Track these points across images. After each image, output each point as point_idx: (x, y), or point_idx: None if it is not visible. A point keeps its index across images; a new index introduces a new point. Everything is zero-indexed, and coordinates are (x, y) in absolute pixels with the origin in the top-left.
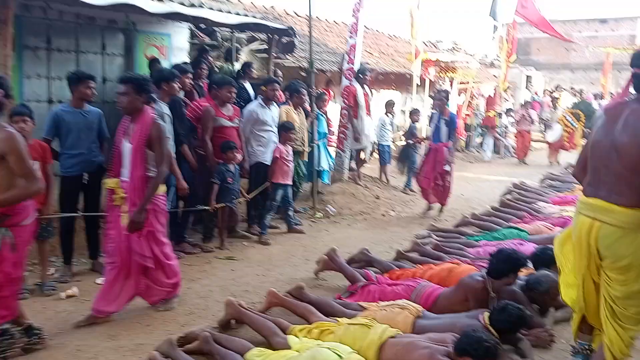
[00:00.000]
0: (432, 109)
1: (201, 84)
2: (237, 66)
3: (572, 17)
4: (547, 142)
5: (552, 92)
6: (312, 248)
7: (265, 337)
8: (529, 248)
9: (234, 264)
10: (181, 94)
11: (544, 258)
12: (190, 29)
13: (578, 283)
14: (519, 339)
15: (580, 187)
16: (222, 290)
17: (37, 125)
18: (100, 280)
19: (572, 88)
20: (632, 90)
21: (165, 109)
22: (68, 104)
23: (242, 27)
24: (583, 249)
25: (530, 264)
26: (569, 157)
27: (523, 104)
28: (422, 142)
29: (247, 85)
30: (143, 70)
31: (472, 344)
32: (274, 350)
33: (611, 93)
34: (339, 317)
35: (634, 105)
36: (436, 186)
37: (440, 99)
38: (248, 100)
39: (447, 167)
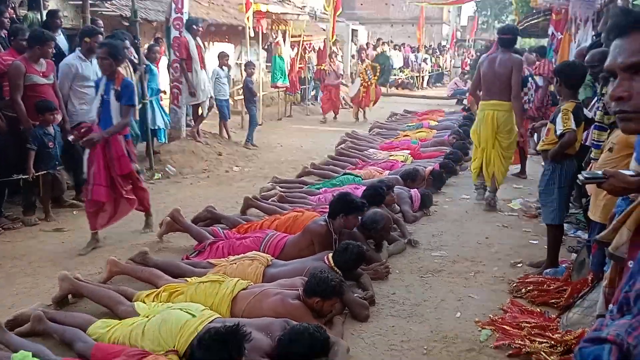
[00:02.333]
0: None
1: (3, 34)
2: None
3: None
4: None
5: (375, 46)
6: (153, 211)
7: (109, 307)
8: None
9: (64, 236)
10: None
11: (375, 197)
12: None
13: (481, 149)
14: (359, 274)
15: (404, 133)
16: (53, 265)
17: None
18: None
19: (390, 42)
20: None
21: None
22: None
23: None
24: (489, 126)
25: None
26: (373, 114)
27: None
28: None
29: (60, 37)
30: None
31: (319, 284)
32: (120, 320)
33: (425, 45)
34: (188, 277)
35: (500, 55)
36: None
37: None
38: (60, 53)
39: None
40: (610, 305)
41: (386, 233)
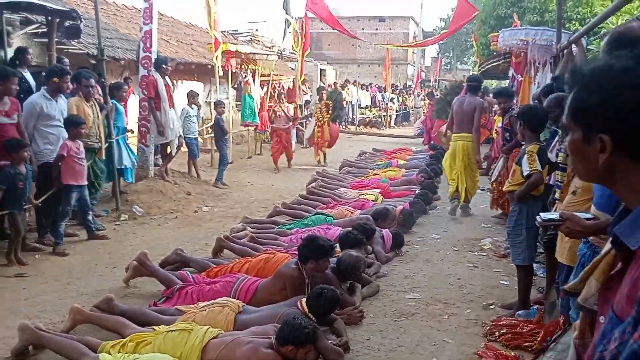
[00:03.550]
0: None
1: None
2: (10, 53)
3: (356, 14)
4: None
5: (342, 86)
6: (119, 254)
7: None
8: (335, 231)
9: (25, 282)
10: None
11: (348, 240)
12: None
13: (453, 174)
14: (333, 319)
15: (374, 172)
16: (13, 314)
17: None
18: None
19: (355, 81)
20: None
21: None
22: None
23: (12, 8)
24: (458, 154)
25: (337, 246)
26: (335, 154)
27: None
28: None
29: (27, 75)
30: None
31: (292, 331)
32: None
33: (392, 85)
34: (156, 325)
35: (468, 98)
36: None
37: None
38: (27, 91)
39: None
40: None
41: (358, 276)
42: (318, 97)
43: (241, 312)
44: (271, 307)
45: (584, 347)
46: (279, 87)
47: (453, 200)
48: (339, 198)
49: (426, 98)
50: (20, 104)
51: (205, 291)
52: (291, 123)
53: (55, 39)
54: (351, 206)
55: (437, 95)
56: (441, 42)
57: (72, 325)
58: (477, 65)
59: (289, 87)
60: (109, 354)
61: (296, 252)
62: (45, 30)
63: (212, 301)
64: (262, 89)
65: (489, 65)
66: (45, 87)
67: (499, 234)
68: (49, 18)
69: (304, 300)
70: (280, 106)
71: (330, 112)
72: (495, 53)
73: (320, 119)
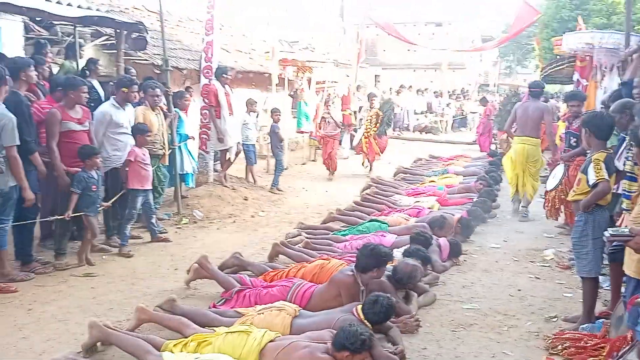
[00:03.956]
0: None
1: (42, 83)
2: (81, 63)
3: (412, 20)
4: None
5: (397, 92)
6: (181, 256)
7: (137, 357)
8: (390, 239)
9: (93, 281)
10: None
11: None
12: (25, 22)
13: (514, 175)
14: (389, 327)
15: (430, 179)
16: (83, 311)
17: None
18: None
19: (410, 87)
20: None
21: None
22: None
23: (85, 21)
24: (520, 156)
25: (394, 255)
26: (389, 161)
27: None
28: None
29: (95, 84)
30: None
31: (349, 338)
32: None
33: (448, 91)
34: (215, 326)
35: (532, 103)
36: None
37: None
38: (97, 99)
39: None
40: None
41: (414, 285)
42: (368, 103)
43: (298, 316)
44: (327, 313)
45: None
46: (333, 94)
47: (514, 201)
48: (394, 205)
49: (479, 104)
50: (90, 112)
51: (262, 294)
52: (339, 130)
53: (123, 50)
54: (406, 214)
55: (493, 101)
56: (501, 46)
57: (137, 324)
58: (540, 69)
59: (343, 95)
60: (172, 352)
61: (351, 259)
62: (113, 42)
63: (270, 305)
64: (317, 95)
65: (552, 70)
66: (115, 96)
67: (562, 244)
68: (118, 31)
69: (359, 307)
70: (329, 112)
71: (378, 124)
72: (558, 57)
73: (369, 129)
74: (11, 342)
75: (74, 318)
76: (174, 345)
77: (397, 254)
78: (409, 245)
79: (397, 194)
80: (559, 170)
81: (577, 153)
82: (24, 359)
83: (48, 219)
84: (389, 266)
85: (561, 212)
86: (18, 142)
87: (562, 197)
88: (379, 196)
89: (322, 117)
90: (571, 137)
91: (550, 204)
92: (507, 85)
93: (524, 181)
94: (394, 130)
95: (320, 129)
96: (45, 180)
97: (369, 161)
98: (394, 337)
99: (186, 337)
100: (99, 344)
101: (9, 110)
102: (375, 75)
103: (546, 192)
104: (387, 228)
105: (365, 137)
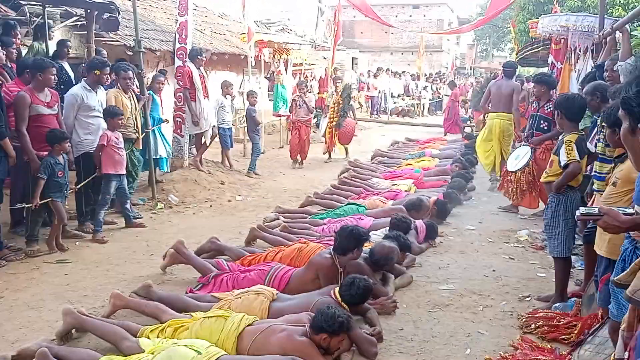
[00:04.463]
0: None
1: (10, 65)
2: (51, 45)
3: (389, 2)
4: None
5: (375, 75)
6: (156, 242)
7: (113, 343)
8: (367, 222)
9: (67, 268)
10: None
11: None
12: None
13: (487, 150)
14: (366, 309)
15: (407, 162)
16: (56, 298)
17: None
18: None
19: (387, 69)
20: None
21: None
22: None
23: (54, 1)
24: (495, 131)
25: (370, 237)
26: (367, 144)
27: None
28: None
29: (66, 66)
30: None
31: (326, 320)
32: (125, 356)
33: (425, 73)
34: (192, 311)
35: (505, 81)
36: None
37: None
38: (68, 82)
39: None
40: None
41: (391, 266)
42: (333, 88)
43: (275, 300)
44: (305, 296)
45: (632, 339)
46: (311, 76)
47: (492, 180)
48: (372, 188)
49: (448, 87)
50: (60, 95)
51: (240, 279)
52: (311, 115)
53: (94, 31)
54: (384, 196)
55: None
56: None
57: (112, 310)
58: (515, 52)
59: (320, 77)
60: (148, 338)
61: (329, 242)
62: (84, 22)
63: (247, 289)
64: (295, 78)
65: (527, 53)
66: (86, 78)
67: (536, 225)
68: (88, 11)
69: (337, 289)
70: (300, 95)
71: (339, 113)
72: (534, 40)
73: (332, 118)
74: None
75: (47, 305)
76: (151, 331)
77: (375, 236)
78: (388, 230)
79: (374, 177)
80: (522, 151)
81: (548, 137)
82: None
83: (16, 206)
84: (366, 248)
85: (525, 195)
86: None
87: (530, 179)
88: (356, 179)
89: (293, 100)
90: (542, 121)
91: (515, 186)
92: (483, 68)
93: (496, 154)
94: (371, 114)
95: (292, 113)
96: (14, 166)
97: (328, 152)
98: (371, 318)
99: (163, 323)
100: (73, 330)
101: None
102: (353, 58)
103: (506, 171)
104: (364, 211)
105: (329, 127)
